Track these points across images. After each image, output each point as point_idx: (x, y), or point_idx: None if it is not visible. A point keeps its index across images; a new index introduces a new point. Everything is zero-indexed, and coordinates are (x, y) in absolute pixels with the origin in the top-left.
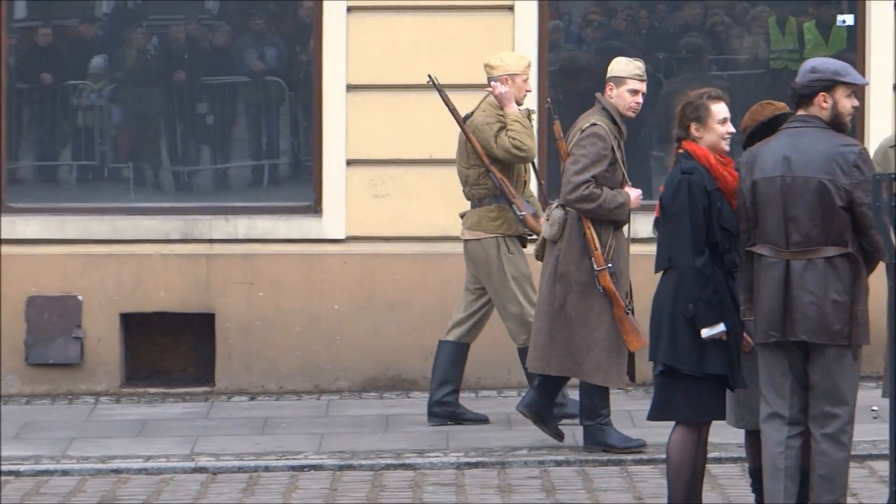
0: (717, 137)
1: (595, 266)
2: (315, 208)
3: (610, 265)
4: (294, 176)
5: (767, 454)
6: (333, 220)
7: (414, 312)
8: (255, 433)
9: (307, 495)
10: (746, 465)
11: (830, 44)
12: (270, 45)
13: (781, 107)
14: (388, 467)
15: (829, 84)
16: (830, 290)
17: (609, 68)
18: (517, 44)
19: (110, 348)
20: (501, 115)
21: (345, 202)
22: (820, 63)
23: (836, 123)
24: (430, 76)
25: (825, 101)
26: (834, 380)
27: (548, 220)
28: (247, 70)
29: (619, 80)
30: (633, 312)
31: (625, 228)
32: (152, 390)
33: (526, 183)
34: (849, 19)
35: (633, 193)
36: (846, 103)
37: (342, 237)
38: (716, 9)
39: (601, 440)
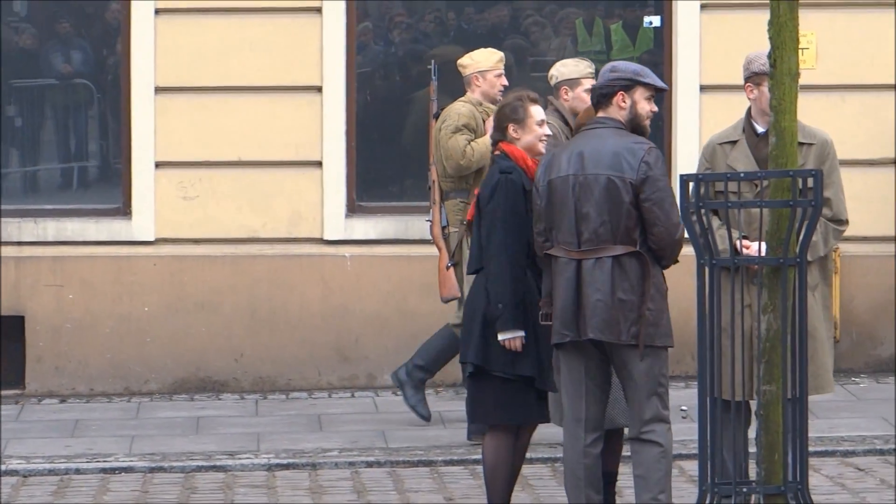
0: (535, 138)
1: None
2: (124, 210)
3: None
4: (103, 178)
5: (567, 461)
6: (143, 222)
7: (224, 314)
8: (66, 436)
9: (118, 497)
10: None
11: (637, 45)
12: (78, 47)
13: None
14: (199, 469)
15: (629, 84)
16: (617, 289)
17: (555, 73)
18: (326, 46)
19: None
20: (480, 113)
21: (154, 204)
22: (620, 64)
23: (634, 125)
24: (432, 63)
25: (624, 101)
26: (633, 381)
27: None
28: (55, 72)
29: (573, 82)
30: None
31: None
32: None
33: None
34: (655, 21)
35: None
36: (645, 105)
37: (152, 239)
38: (527, 10)
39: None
